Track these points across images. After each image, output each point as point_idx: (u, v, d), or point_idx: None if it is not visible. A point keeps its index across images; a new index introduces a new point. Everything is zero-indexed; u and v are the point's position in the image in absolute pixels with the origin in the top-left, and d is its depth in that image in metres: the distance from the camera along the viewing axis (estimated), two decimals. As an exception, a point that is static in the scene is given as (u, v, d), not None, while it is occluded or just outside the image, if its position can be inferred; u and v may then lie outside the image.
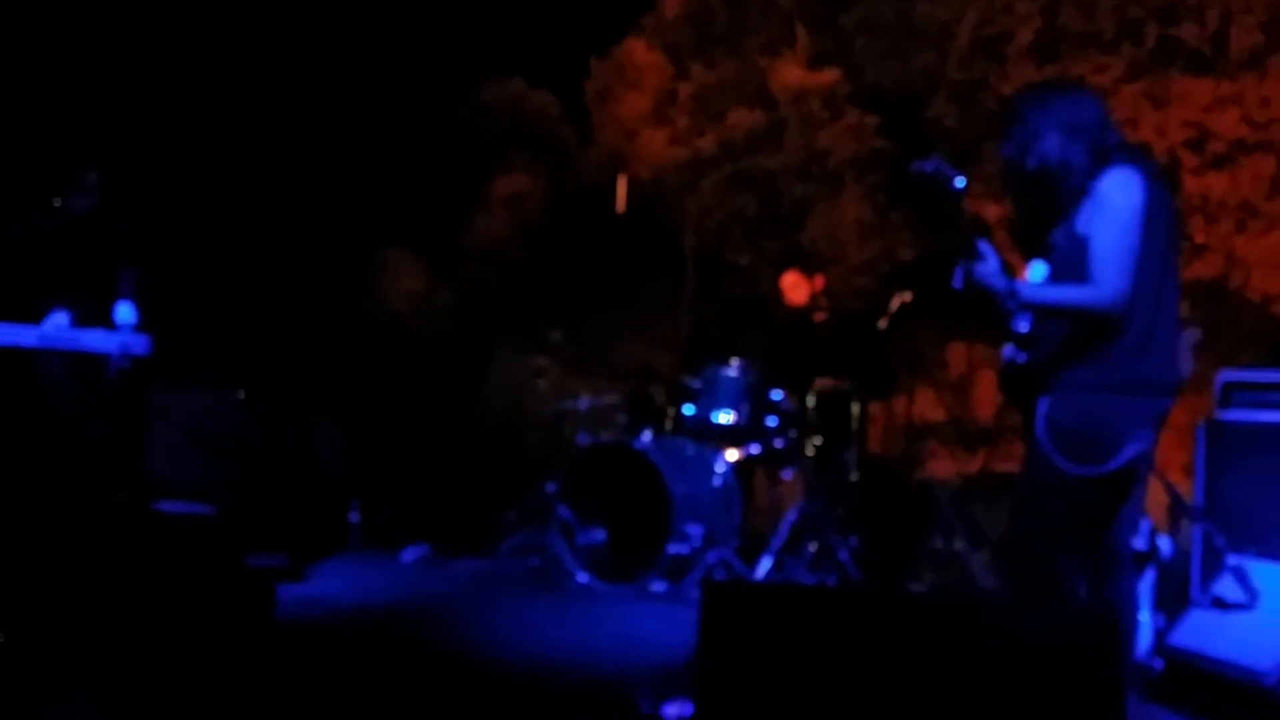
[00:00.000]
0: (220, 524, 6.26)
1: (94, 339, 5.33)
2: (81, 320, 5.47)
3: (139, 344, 5.37)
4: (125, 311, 5.49)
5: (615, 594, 6.02)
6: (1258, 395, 4.73)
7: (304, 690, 3.90)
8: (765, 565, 6.05)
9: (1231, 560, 4.33)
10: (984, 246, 3.28)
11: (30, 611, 3.71)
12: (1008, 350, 3.50)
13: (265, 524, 6.42)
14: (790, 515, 6.19)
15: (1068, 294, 3.25)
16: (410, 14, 8.80)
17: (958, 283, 3.31)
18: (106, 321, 5.45)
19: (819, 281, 6.98)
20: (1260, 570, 4.30)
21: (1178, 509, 4.73)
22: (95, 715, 3.34)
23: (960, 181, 3.21)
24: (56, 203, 5.54)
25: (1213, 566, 4.51)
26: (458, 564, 6.58)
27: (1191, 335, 4.49)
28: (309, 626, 4.92)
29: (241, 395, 6.73)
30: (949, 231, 3.30)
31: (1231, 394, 4.81)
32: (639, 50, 8.64)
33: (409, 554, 6.63)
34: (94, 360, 5.39)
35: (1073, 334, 3.28)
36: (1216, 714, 4.07)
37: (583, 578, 6.19)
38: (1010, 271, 3.29)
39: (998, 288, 3.25)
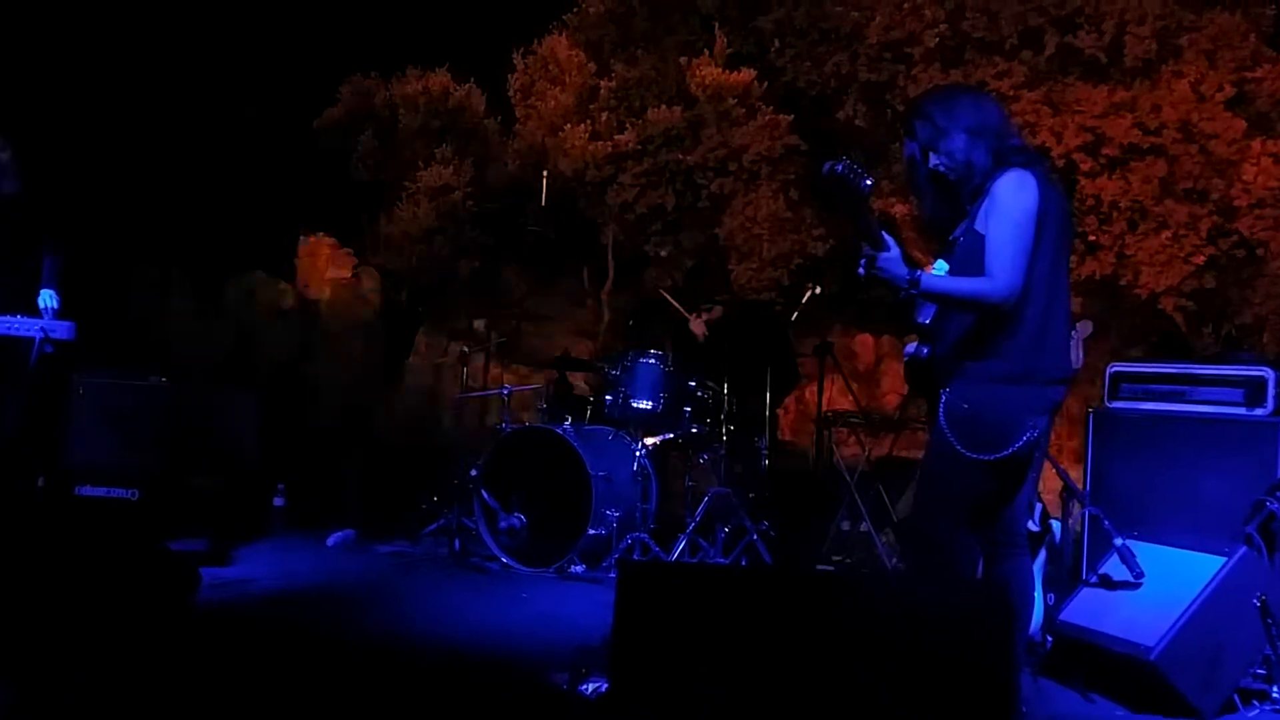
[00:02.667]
0: (142, 508, 6.26)
1: (15, 324, 5.30)
2: (3, 305, 5.43)
3: (61, 329, 5.35)
4: (47, 296, 5.46)
5: (535, 576, 6.11)
6: (1143, 386, 4.92)
7: (226, 673, 3.92)
8: (680, 547, 6.20)
9: (1118, 542, 4.47)
10: (887, 238, 3.39)
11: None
12: (911, 346, 3.67)
13: (187, 508, 6.42)
14: (705, 500, 6.35)
15: (963, 285, 3.38)
16: (338, 5, 8.78)
17: (861, 270, 3.42)
18: (29, 306, 5.42)
19: (716, 313, 7.23)
20: (1145, 551, 4.44)
21: (1068, 493, 4.91)
22: (14, 700, 3.32)
23: (868, 183, 3.33)
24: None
25: (1100, 548, 4.68)
26: (381, 547, 6.64)
27: (1084, 329, 4.66)
28: (232, 609, 4.92)
29: (162, 380, 6.68)
30: (855, 226, 3.41)
31: (1119, 385, 4.99)
32: (561, 46, 8.69)
33: (334, 538, 6.66)
34: (15, 345, 5.35)
35: (971, 329, 3.42)
36: (1103, 687, 4.23)
37: (504, 560, 6.30)
38: (911, 262, 3.43)
39: (899, 275, 3.36)
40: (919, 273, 3.37)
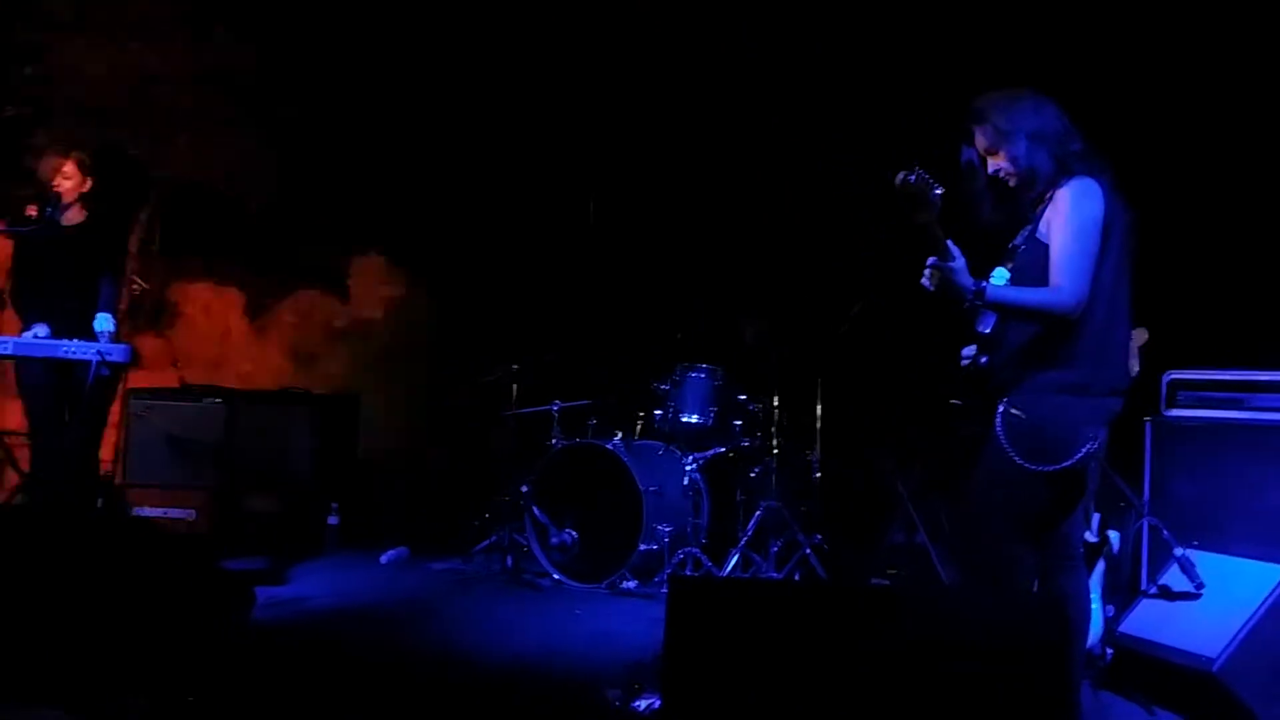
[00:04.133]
0: (199, 529, 6.35)
1: (73, 348, 5.40)
2: (61, 329, 5.54)
3: (117, 352, 5.45)
4: (103, 320, 5.57)
5: (587, 592, 6.12)
6: (1200, 394, 4.85)
7: (284, 691, 3.97)
8: (733, 562, 6.17)
9: (1178, 551, 4.42)
10: (953, 248, 3.35)
11: (9, 618, 3.76)
12: (968, 350, 3.63)
13: (244, 528, 6.50)
14: (756, 514, 6.32)
15: (1029, 296, 3.34)
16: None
17: (926, 280, 3.39)
18: (86, 330, 5.52)
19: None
20: (1205, 561, 4.39)
21: (1126, 503, 4.85)
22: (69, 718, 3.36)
23: (939, 191, 3.27)
24: (35, 213, 5.60)
25: (1160, 558, 4.62)
26: (434, 565, 6.68)
27: (1139, 336, 4.60)
28: (289, 628, 4.98)
29: (218, 401, 6.77)
30: (924, 236, 3.37)
31: (1176, 393, 4.92)
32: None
33: (387, 556, 6.71)
34: (73, 368, 5.45)
35: (1032, 339, 3.38)
36: (1165, 700, 4.16)
37: (556, 576, 6.31)
38: (977, 272, 3.39)
39: (965, 286, 3.33)
40: (984, 284, 3.35)
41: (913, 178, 3.22)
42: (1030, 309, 3.35)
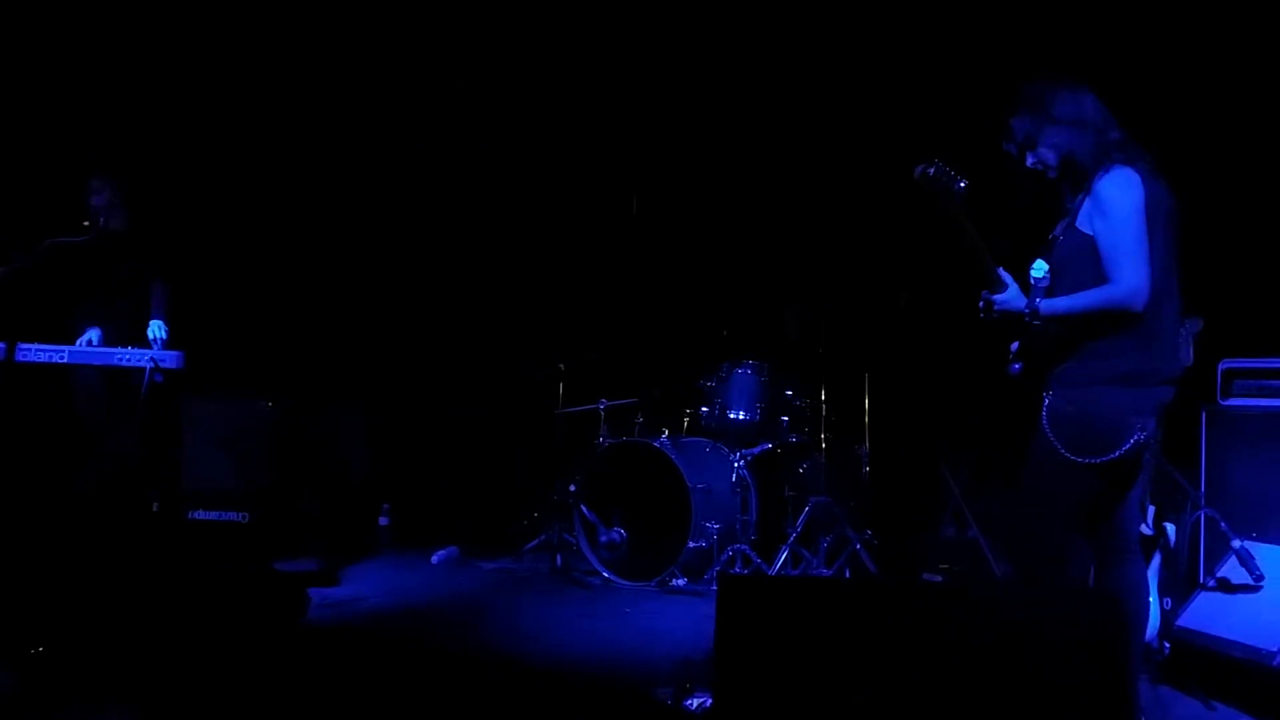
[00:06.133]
0: (252, 530, 6.42)
1: (126, 355, 5.48)
2: (114, 336, 5.63)
3: (170, 359, 5.52)
4: (157, 327, 5.65)
5: (637, 590, 6.13)
6: (1257, 383, 4.79)
7: (339, 690, 4.01)
8: (782, 558, 6.15)
9: (1236, 543, 4.37)
10: (1002, 274, 3.39)
11: (68, 618, 3.82)
12: (1015, 345, 3.60)
13: (297, 530, 6.57)
14: (805, 509, 6.31)
15: (1086, 299, 3.31)
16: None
17: (982, 314, 3.44)
18: (140, 336, 5.60)
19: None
20: (1264, 552, 4.34)
21: (1182, 495, 4.79)
22: (132, 718, 3.41)
23: (962, 184, 3.29)
24: (88, 222, 5.68)
25: (1218, 550, 4.58)
26: (484, 564, 6.71)
27: (1194, 325, 4.53)
28: (343, 628, 5.01)
29: (270, 404, 6.85)
30: (959, 238, 3.36)
31: (1232, 381, 4.87)
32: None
33: (438, 556, 6.76)
34: (127, 375, 5.53)
35: (1075, 329, 3.35)
36: (1225, 693, 4.11)
37: (605, 575, 6.33)
38: (1028, 290, 3.39)
39: (1019, 309, 3.37)
40: (1038, 301, 3.35)
41: (932, 170, 3.23)
42: (1091, 310, 3.31)
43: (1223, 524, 4.51)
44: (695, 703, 3.82)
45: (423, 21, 8.08)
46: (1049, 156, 3.45)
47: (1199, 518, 4.74)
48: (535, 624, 5.30)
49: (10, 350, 5.39)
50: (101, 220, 5.65)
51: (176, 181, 7.61)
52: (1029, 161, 3.50)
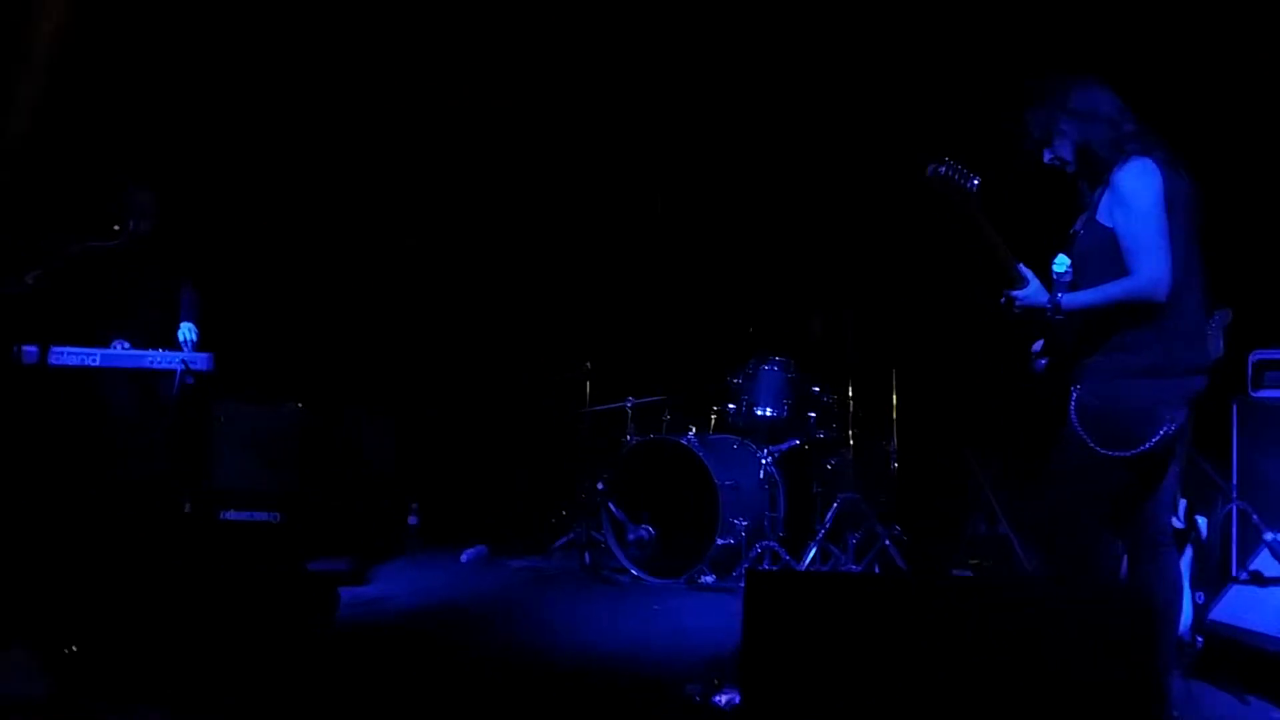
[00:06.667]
0: (283, 531, 6.47)
1: (157, 357, 5.53)
2: (144, 340, 5.67)
3: (200, 361, 5.57)
4: (187, 329, 5.69)
5: (665, 587, 6.14)
6: (1289, 374, 4.79)
7: (367, 689, 4.04)
8: (811, 555, 6.14)
9: (1269, 536, 4.34)
10: (1023, 270, 3.38)
11: (101, 619, 3.85)
12: (1038, 345, 3.60)
13: (328, 530, 6.61)
14: (834, 506, 6.29)
15: (1108, 291, 3.30)
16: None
17: (1004, 310, 3.43)
18: (169, 341, 5.65)
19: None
20: None
21: (1214, 488, 4.76)
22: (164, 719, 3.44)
23: (975, 182, 3.29)
24: (117, 226, 5.73)
25: (1250, 543, 4.55)
26: (513, 562, 6.73)
27: (1224, 317, 4.50)
28: (373, 627, 5.04)
29: (300, 405, 6.90)
30: (974, 236, 3.36)
31: (1263, 373, 4.83)
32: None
33: (467, 555, 6.78)
34: (158, 377, 5.58)
35: (1101, 321, 3.34)
36: (1257, 687, 4.08)
37: (634, 572, 6.33)
38: (1050, 285, 3.38)
39: (1041, 304, 3.36)
40: (1059, 296, 3.35)
41: (944, 169, 3.23)
42: (1114, 303, 3.30)
43: (1255, 517, 4.49)
44: (724, 699, 3.82)
45: (450, 22, 8.11)
46: (1065, 151, 3.46)
47: (1231, 511, 4.71)
48: (564, 622, 5.31)
49: (43, 353, 5.44)
50: (131, 224, 5.70)
51: (204, 187, 7.67)
52: (1046, 158, 3.50)
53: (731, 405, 6.74)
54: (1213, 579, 4.61)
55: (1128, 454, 3.27)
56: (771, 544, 6.20)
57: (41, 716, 3.40)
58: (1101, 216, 3.37)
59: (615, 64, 8.20)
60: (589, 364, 7.12)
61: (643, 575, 6.29)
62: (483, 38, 8.26)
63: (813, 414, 6.69)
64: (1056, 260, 3.42)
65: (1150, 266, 3.23)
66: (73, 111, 7.25)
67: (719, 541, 6.08)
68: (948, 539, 6.54)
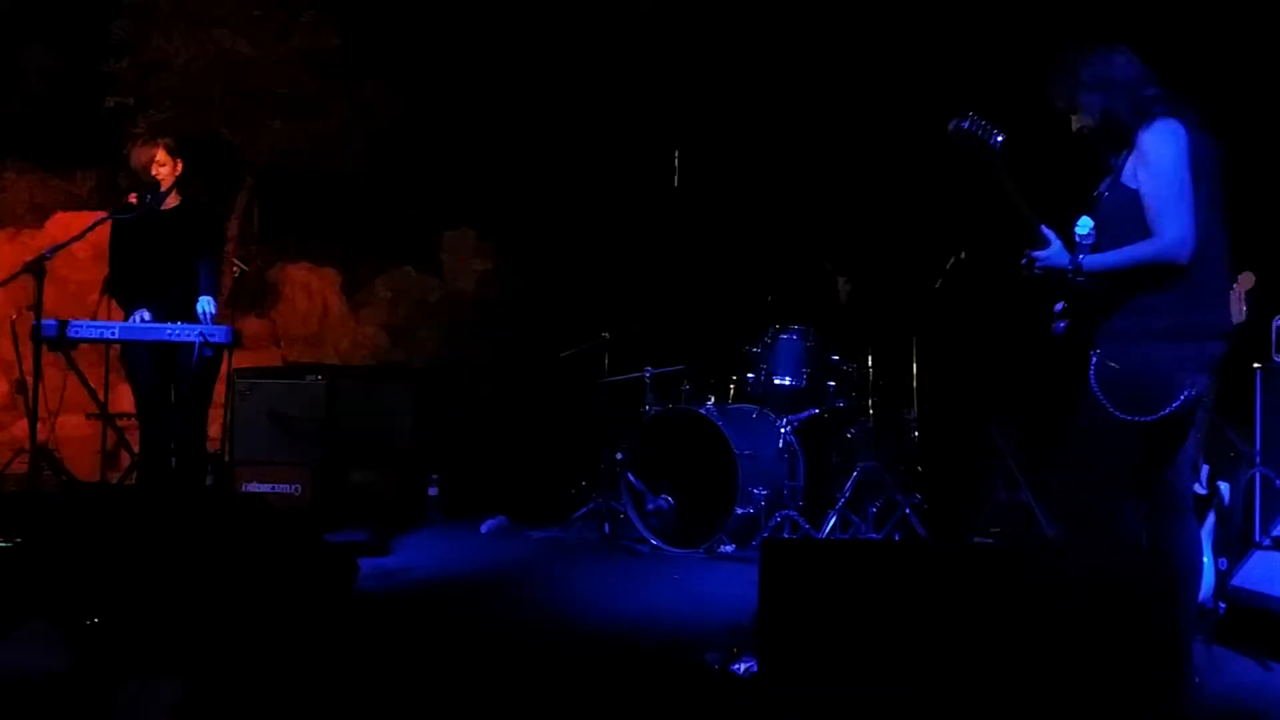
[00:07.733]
0: (303, 503, 6.51)
1: (176, 330, 5.54)
2: (164, 313, 5.69)
3: (219, 333, 5.58)
4: (206, 302, 5.70)
5: (685, 557, 6.14)
6: (1313, 338, 4.74)
7: (387, 659, 4.06)
8: (830, 524, 6.13)
9: (1292, 502, 4.35)
10: (1045, 231, 3.36)
11: (123, 591, 3.88)
12: (1059, 306, 3.57)
13: (348, 501, 6.65)
14: (853, 475, 6.27)
15: (1131, 253, 3.27)
16: None
17: (1025, 270, 3.41)
18: (189, 314, 5.66)
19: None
20: None
21: (1236, 454, 4.72)
22: (184, 691, 3.45)
23: (999, 138, 3.27)
24: (135, 200, 5.73)
25: (1273, 509, 4.54)
26: (533, 533, 6.75)
27: (1246, 280, 4.45)
28: (394, 598, 5.07)
29: (319, 378, 6.92)
30: (999, 193, 3.34)
31: (1288, 338, 4.82)
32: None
33: (487, 526, 6.80)
34: (177, 350, 5.59)
35: (1121, 285, 3.31)
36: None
37: (654, 542, 6.34)
38: (1072, 247, 3.36)
39: (1063, 265, 3.34)
40: (1081, 258, 3.32)
41: (966, 124, 3.22)
42: (1136, 264, 3.28)
43: (1278, 482, 4.45)
44: (743, 667, 3.83)
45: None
46: (1088, 119, 3.44)
47: (1254, 476, 4.68)
48: (584, 591, 5.32)
49: (62, 327, 5.46)
50: (149, 196, 5.70)
51: (225, 161, 7.69)
52: (1074, 129, 3.49)
53: (750, 374, 6.72)
54: (1235, 545, 4.59)
55: (1148, 419, 3.25)
56: (791, 513, 6.19)
57: (63, 688, 3.43)
58: (1126, 178, 3.34)
59: (635, 30, 8.16)
60: (606, 334, 7.09)
61: (662, 545, 6.29)
62: (497, 11, 8.23)
63: (832, 383, 6.65)
64: (1079, 223, 3.39)
65: (1173, 228, 3.20)
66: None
67: (738, 511, 6.08)
68: (969, 507, 6.50)
